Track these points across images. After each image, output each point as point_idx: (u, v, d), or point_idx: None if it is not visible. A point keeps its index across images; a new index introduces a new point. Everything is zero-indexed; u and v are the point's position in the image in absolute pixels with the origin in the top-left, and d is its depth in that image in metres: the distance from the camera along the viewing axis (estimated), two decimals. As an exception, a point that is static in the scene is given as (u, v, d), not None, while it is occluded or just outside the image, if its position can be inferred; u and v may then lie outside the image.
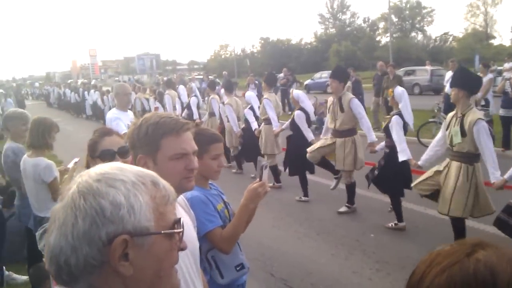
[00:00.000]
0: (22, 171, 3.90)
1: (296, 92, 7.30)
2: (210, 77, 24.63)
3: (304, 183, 7.19)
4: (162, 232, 0.94)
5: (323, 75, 30.12)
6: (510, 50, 40.63)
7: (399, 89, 5.71)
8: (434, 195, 5.02)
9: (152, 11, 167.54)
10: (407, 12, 63.96)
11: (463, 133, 4.61)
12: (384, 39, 62.43)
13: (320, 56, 61.67)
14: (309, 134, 6.96)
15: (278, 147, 8.02)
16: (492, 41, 59.85)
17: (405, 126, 5.58)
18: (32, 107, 32.55)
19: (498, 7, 58.95)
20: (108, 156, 2.44)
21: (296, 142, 7.08)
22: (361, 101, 12.91)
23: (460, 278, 0.76)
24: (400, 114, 5.55)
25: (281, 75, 20.90)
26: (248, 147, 8.55)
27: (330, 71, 23.21)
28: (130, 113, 5.36)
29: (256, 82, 18.93)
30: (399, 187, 5.64)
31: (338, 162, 6.35)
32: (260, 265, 4.98)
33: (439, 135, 5.11)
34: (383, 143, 5.97)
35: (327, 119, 6.57)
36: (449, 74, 11.48)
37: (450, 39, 61.71)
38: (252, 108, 8.46)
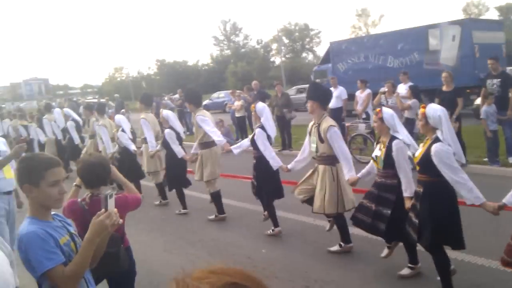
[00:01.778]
0: None
1: (165, 112, 7.51)
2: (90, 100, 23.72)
3: (181, 196, 7.40)
4: None
5: (220, 95, 30.94)
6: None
7: (260, 105, 6.10)
8: (311, 200, 5.37)
9: (39, 33, 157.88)
10: (297, 34, 67.38)
11: (321, 140, 5.11)
12: (278, 60, 65.03)
13: (218, 77, 62.36)
14: (178, 150, 7.19)
15: (161, 164, 8.03)
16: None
17: (269, 138, 5.93)
18: None
19: (378, 27, 64.36)
20: None
21: (170, 159, 7.33)
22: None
23: None
24: (262, 127, 5.89)
25: (177, 96, 20.74)
26: (127, 168, 8.30)
27: (227, 91, 23.44)
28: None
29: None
30: (269, 194, 6.01)
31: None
32: (148, 293, 4.74)
33: (305, 141, 5.56)
34: (240, 145, 6.44)
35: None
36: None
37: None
38: (123, 130, 8.37)
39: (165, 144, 7.34)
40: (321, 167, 5.21)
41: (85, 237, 2.11)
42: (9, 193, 4.52)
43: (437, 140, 3.83)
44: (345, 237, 5.33)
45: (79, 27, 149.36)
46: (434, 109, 3.90)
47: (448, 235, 3.88)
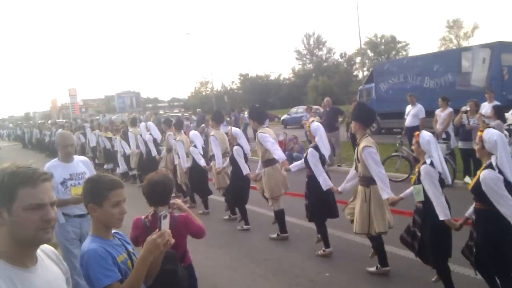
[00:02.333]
0: None
1: (234, 130, 7.71)
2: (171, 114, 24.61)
3: (243, 213, 7.57)
4: None
5: (299, 110, 30.45)
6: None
7: (314, 124, 6.07)
8: None
9: (133, 50, 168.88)
10: (382, 47, 65.67)
11: (358, 160, 5.13)
12: (362, 74, 63.83)
13: (299, 91, 62.46)
14: (245, 167, 7.35)
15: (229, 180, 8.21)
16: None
17: (323, 158, 5.91)
18: (8, 148, 32.16)
19: (470, 40, 61.01)
20: None
21: (235, 175, 7.53)
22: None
23: None
24: (316, 147, 5.90)
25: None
26: (197, 183, 8.95)
27: (304, 106, 23.61)
28: (78, 163, 4.68)
29: (228, 118, 19.10)
30: (321, 214, 6.05)
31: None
32: (210, 310, 4.85)
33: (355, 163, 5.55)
34: (298, 163, 6.39)
35: None
36: (408, 108, 11.71)
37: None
38: (195, 146, 8.75)
39: (232, 161, 7.56)
40: (359, 188, 5.28)
41: (139, 255, 2.25)
42: (81, 216, 4.52)
43: (489, 166, 3.72)
44: (382, 259, 5.30)
45: (172, 43, 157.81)
46: (491, 133, 3.80)
47: (503, 265, 3.76)
